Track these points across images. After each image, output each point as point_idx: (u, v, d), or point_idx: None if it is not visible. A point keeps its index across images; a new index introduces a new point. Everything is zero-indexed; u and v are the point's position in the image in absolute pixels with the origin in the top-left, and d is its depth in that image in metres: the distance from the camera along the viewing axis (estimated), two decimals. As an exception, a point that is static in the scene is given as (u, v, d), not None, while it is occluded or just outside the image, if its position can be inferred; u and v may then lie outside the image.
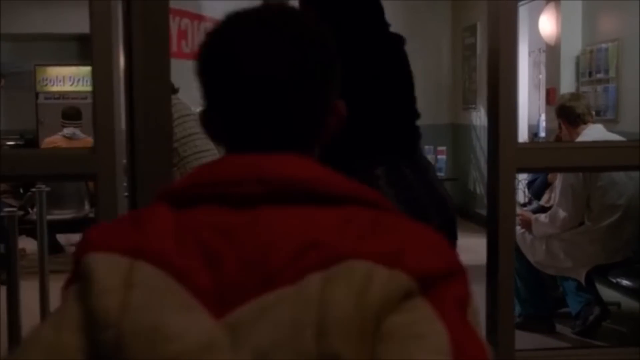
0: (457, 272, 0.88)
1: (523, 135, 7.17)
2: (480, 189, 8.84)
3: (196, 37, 1.72)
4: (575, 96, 4.75)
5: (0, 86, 8.88)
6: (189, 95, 3.72)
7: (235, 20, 0.99)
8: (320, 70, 0.98)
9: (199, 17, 2.65)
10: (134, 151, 1.92)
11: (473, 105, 8.98)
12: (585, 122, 4.44)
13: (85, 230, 0.95)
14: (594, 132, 4.36)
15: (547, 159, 2.12)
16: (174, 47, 1.78)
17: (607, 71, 5.83)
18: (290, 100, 0.96)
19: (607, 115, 5.68)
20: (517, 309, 4.18)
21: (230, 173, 0.93)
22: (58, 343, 0.87)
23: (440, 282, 0.85)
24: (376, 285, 0.82)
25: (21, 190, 6.51)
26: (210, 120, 1.01)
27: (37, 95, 9.92)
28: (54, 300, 2.19)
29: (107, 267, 0.87)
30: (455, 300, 0.85)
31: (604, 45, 5.89)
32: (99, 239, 0.91)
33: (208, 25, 2.12)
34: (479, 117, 8.82)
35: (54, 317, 0.91)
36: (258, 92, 0.95)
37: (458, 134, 9.47)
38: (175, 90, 3.33)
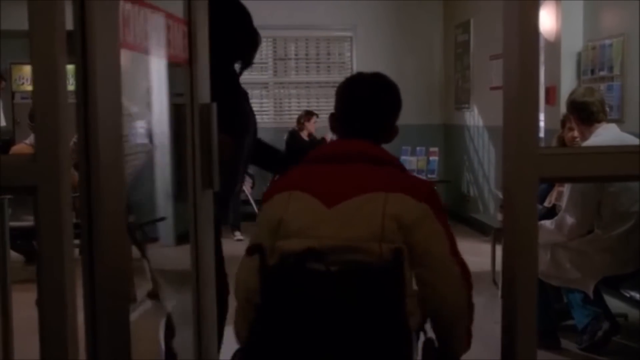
0: (433, 193, 2.19)
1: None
2: (474, 192, 8.54)
3: (138, 25, 1.43)
4: (590, 91, 4.30)
5: (1, 88, 8.17)
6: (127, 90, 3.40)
7: (356, 75, 2.42)
8: (388, 104, 2.31)
9: (139, 1, 2.36)
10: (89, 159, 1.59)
11: (466, 105, 8.67)
12: (599, 121, 4.09)
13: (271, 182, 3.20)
14: (608, 134, 4.00)
15: (575, 167, 1.80)
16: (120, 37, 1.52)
17: (611, 68, 5.52)
18: (372, 115, 2.28)
19: (612, 115, 5.35)
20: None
21: (338, 148, 2.29)
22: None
23: (431, 198, 2.14)
24: (408, 205, 2.07)
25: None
26: (335, 121, 2.32)
27: (13, 94, 9.55)
28: (31, 312, 1.84)
29: (279, 196, 2.17)
30: (440, 207, 2.16)
31: (607, 41, 5.58)
32: (274, 189, 2.25)
33: (148, 11, 1.80)
34: (473, 117, 8.52)
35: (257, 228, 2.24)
36: (363, 106, 2.27)
37: (451, 135, 9.17)
38: None
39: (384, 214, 2.05)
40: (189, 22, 2.01)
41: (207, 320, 2.09)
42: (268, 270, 2.07)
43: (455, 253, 2.15)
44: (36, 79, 1.55)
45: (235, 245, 6.99)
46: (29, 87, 9.67)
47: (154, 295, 3.62)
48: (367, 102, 2.27)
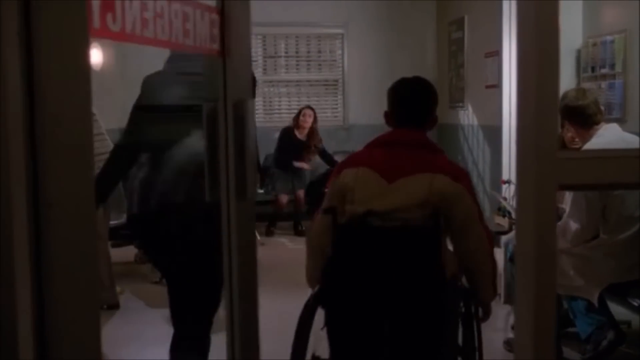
0: (466, 176, 2.90)
1: (511, 144, 6.67)
2: (469, 192, 8.33)
3: (127, 10, 1.26)
4: (581, 93, 4.05)
5: None
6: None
7: (400, 80, 3.03)
8: (426, 100, 2.98)
9: None
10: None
11: (460, 104, 8.47)
12: (597, 122, 3.89)
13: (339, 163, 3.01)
14: (611, 134, 3.80)
15: (600, 172, 1.59)
16: (95, 23, 1.27)
17: (612, 66, 5.33)
18: (420, 108, 2.96)
19: (614, 114, 5.17)
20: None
21: (395, 136, 2.92)
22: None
23: (465, 180, 2.83)
24: (447, 184, 2.74)
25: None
26: (388, 116, 3.00)
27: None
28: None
29: (349, 170, 2.86)
30: (470, 186, 2.88)
31: (608, 37, 5.38)
32: (344, 165, 2.91)
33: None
34: (467, 116, 8.33)
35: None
36: (408, 103, 2.96)
37: (445, 134, 8.97)
38: None
39: (430, 190, 2.76)
40: (222, 10, 1.77)
41: (243, 332, 1.88)
42: (339, 228, 2.79)
43: (482, 220, 2.87)
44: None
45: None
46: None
47: None
48: (410, 100, 2.99)
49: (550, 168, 1.56)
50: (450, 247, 2.87)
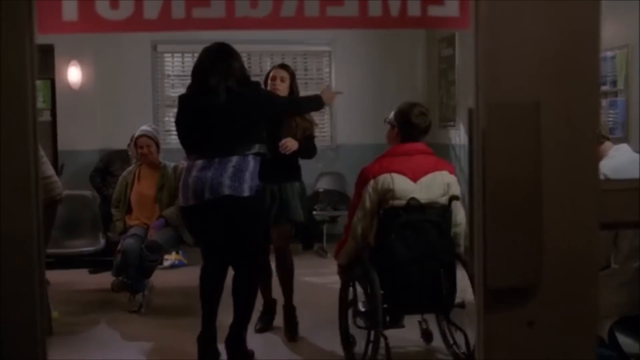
0: (453, 169, 4.37)
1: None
2: (461, 214, 8.06)
3: None
4: None
5: None
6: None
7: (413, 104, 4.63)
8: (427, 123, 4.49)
9: None
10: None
11: (452, 123, 8.22)
12: (600, 142, 3.62)
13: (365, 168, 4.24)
14: (622, 155, 3.53)
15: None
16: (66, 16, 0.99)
17: (614, 82, 5.09)
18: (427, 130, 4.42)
19: (615, 134, 4.91)
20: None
21: (406, 148, 4.17)
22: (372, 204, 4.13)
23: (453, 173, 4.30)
24: (448, 177, 4.19)
25: None
26: (397, 133, 4.33)
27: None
28: None
29: (384, 176, 4.08)
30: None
31: (609, 53, 5.14)
32: (373, 172, 4.12)
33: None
34: (459, 136, 8.08)
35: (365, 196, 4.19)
36: (419, 126, 4.29)
37: (435, 154, 8.71)
38: None
39: (442, 183, 4.14)
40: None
41: None
42: (381, 219, 4.07)
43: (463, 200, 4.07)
44: None
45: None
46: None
47: None
48: (421, 124, 4.28)
49: (591, 202, 1.28)
50: None
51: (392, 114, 4.36)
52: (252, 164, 4.29)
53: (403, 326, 4.33)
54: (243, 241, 4.38)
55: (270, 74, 5.19)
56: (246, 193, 4.24)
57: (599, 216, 1.30)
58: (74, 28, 1.22)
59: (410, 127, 4.17)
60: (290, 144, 4.83)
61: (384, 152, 4.29)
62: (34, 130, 1.14)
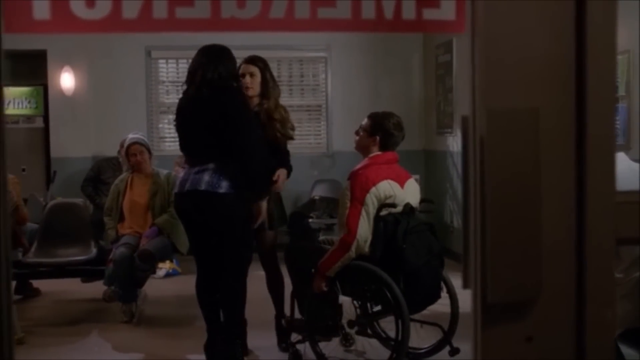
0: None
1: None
2: (458, 222, 7.98)
3: None
4: None
5: None
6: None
7: (390, 114, 4.88)
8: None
9: None
10: None
11: (449, 130, 8.14)
12: None
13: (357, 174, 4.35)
14: (619, 165, 3.42)
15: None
16: (45, 14, 0.90)
17: (615, 89, 5.00)
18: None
19: (617, 141, 4.82)
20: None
21: (388, 157, 4.38)
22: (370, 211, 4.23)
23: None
24: (414, 182, 4.60)
25: None
26: (376, 142, 4.46)
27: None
28: None
29: (383, 183, 4.23)
30: None
31: (610, 59, 5.06)
32: (372, 179, 4.22)
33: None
34: (456, 143, 7.99)
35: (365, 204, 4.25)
36: (396, 136, 4.59)
37: (432, 161, 8.64)
38: None
39: (416, 189, 4.49)
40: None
41: None
42: (381, 223, 4.19)
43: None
44: None
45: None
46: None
47: None
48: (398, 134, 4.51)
49: (607, 215, 1.19)
50: None
51: (365, 122, 4.50)
52: (232, 166, 4.24)
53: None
54: (221, 246, 4.28)
55: (240, 70, 4.68)
56: (223, 190, 4.19)
57: (614, 229, 1.21)
58: (46, 27, 1.14)
59: (390, 137, 4.37)
60: (281, 178, 4.62)
61: (365, 161, 4.33)
62: (2, 137, 1.05)
